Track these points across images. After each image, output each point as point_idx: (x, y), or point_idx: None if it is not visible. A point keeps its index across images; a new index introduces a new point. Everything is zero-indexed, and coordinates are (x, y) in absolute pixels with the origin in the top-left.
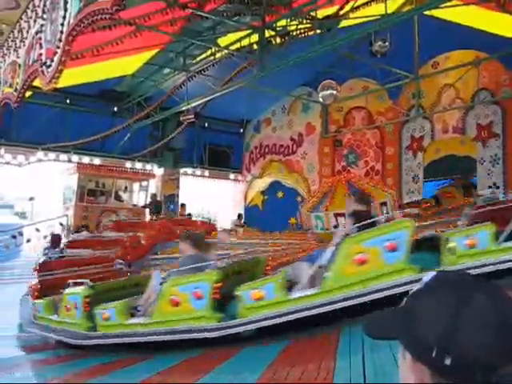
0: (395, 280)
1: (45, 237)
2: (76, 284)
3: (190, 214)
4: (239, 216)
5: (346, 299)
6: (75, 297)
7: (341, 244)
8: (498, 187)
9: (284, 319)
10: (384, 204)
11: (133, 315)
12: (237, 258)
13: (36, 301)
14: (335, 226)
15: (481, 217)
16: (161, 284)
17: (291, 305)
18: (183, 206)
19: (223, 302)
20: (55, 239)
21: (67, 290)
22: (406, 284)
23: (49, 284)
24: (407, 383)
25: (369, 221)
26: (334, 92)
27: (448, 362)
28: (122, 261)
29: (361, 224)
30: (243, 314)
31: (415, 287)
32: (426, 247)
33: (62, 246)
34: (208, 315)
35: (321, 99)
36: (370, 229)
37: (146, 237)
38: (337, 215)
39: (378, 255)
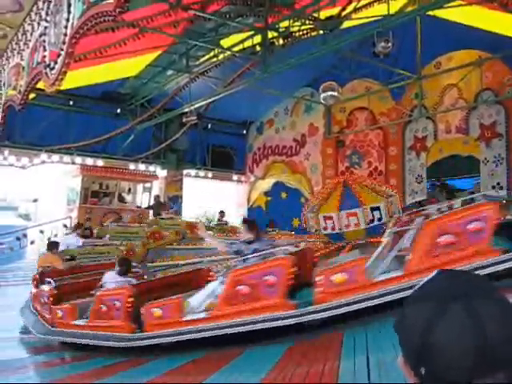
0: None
1: (48, 239)
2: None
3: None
4: (221, 213)
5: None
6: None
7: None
8: (501, 187)
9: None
10: (377, 209)
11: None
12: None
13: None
14: (325, 228)
15: None
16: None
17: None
18: (158, 197)
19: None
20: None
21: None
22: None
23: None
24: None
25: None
26: (335, 94)
27: (423, 371)
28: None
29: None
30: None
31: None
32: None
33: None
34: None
35: (322, 100)
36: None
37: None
38: (326, 218)
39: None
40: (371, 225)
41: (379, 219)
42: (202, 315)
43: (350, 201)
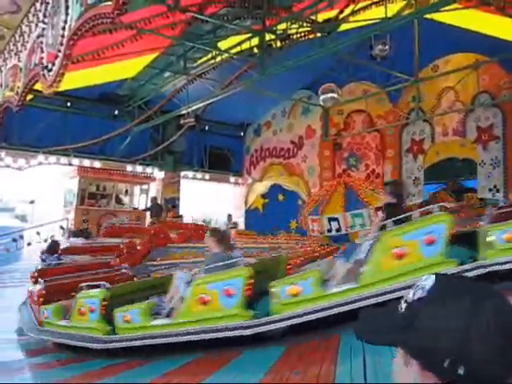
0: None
1: (45, 240)
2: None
3: (181, 216)
4: (229, 217)
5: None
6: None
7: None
8: (498, 190)
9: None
10: (380, 209)
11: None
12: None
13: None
14: (329, 230)
15: (502, 217)
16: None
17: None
18: (174, 207)
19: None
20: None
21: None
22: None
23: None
24: None
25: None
26: (335, 95)
27: (462, 372)
28: (126, 265)
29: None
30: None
31: (415, 293)
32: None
33: (59, 252)
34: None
35: (321, 102)
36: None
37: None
38: (330, 219)
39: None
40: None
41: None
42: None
43: (355, 202)
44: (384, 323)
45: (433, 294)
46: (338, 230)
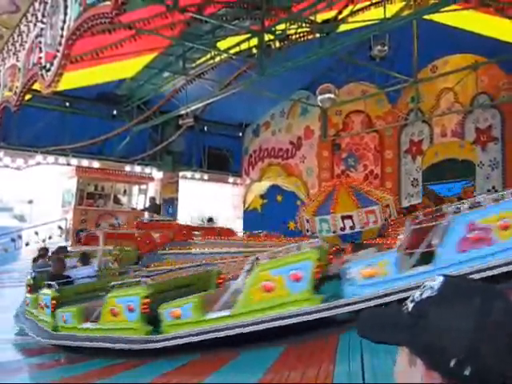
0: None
1: (43, 240)
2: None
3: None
4: (210, 220)
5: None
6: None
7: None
8: (496, 191)
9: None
10: (387, 206)
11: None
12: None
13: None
14: (342, 229)
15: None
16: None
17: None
18: (154, 199)
19: None
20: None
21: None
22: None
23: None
24: None
25: None
26: (332, 96)
27: (467, 372)
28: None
29: None
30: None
31: (423, 293)
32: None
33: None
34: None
35: (319, 103)
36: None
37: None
38: (343, 218)
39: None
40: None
41: (389, 216)
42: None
43: (364, 199)
44: (389, 322)
45: (442, 294)
46: (352, 227)
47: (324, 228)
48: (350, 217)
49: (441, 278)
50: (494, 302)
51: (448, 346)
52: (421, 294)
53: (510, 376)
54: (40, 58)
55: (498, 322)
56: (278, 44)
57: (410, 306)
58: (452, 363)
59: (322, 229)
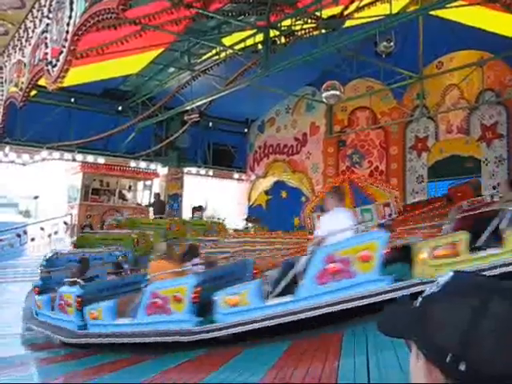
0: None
1: (49, 236)
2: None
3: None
4: (199, 208)
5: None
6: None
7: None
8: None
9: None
10: (387, 205)
11: None
12: None
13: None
14: None
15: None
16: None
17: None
18: (158, 195)
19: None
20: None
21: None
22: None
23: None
24: (418, 383)
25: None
26: (337, 93)
27: (462, 367)
28: None
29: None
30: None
31: (430, 288)
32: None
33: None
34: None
35: (324, 99)
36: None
37: None
38: None
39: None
40: (382, 221)
41: (389, 215)
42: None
43: (361, 198)
44: (401, 317)
45: (444, 289)
46: None
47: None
48: None
49: (450, 274)
50: (493, 298)
51: (444, 341)
52: (429, 290)
53: (507, 372)
54: (46, 53)
55: (494, 318)
56: (283, 40)
57: (419, 301)
58: (448, 358)
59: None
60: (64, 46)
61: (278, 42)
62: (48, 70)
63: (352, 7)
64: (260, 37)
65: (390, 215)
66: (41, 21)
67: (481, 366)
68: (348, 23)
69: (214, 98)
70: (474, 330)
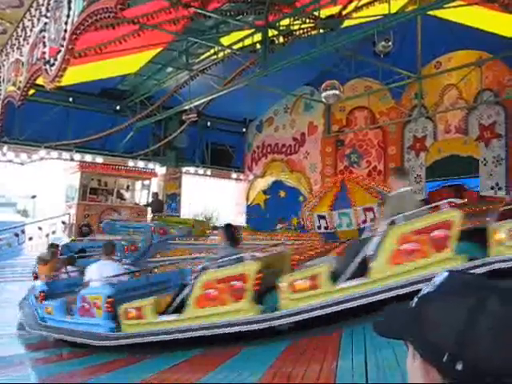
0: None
1: (47, 235)
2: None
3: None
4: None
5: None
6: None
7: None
8: (500, 188)
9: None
10: (370, 209)
11: None
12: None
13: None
14: (318, 227)
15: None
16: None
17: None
18: (156, 194)
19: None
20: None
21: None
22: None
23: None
24: (416, 383)
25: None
26: (337, 92)
27: (459, 367)
28: None
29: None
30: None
31: (426, 288)
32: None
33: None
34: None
35: (323, 99)
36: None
37: None
38: (319, 217)
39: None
40: (364, 225)
41: (372, 220)
42: None
43: (343, 201)
44: (398, 318)
45: (439, 289)
46: (326, 227)
47: (322, 224)
48: (323, 217)
49: (445, 274)
50: (489, 298)
51: (440, 340)
52: (424, 289)
53: (504, 371)
54: (44, 52)
55: (492, 316)
56: (281, 39)
57: (415, 301)
58: (445, 358)
59: (320, 225)
60: (62, 45)
61: (277, 42)
62: (46, 69)
63: (350, 7)
64: (258, 36)
65: (373, 220)
66: (39, 20)
67: (478, 364)
68: (346, 23)
69: (212, 97)
70: (471, 329)
